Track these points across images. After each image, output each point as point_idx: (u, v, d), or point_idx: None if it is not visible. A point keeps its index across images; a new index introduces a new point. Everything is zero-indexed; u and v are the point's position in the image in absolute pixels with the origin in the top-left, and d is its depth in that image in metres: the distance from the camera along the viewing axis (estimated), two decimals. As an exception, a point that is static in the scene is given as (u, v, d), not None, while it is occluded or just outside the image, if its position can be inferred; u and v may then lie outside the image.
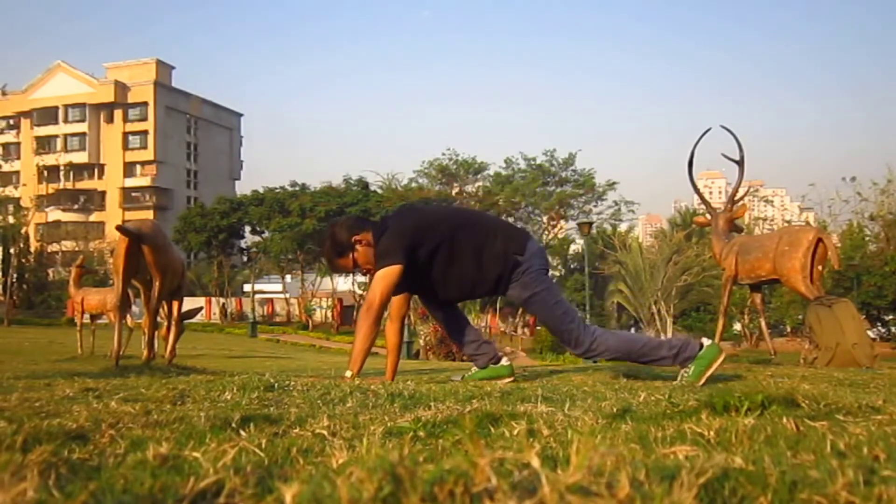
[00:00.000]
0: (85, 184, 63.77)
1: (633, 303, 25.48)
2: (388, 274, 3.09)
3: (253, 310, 33.22)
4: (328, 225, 3.61)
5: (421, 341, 20.65)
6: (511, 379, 3.32)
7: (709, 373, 3.00)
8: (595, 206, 42.12)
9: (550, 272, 3.44)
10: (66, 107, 62.52)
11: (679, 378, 3.03)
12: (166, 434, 1.27)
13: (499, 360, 3.50)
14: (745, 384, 2.74)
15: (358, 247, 3.27)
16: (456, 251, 3.18)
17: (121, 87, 62.55)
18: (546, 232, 41.98)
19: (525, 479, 0.75)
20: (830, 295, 6.63)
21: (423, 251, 3.16)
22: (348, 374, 3.12)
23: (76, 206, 62.51)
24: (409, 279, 3.19)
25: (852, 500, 0.75)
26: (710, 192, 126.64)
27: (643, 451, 1.08)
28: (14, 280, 36.03)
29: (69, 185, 62.56)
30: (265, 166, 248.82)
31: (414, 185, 39.88)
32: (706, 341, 3.12)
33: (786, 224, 25.14)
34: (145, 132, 63.23)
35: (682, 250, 25.03)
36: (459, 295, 3.40)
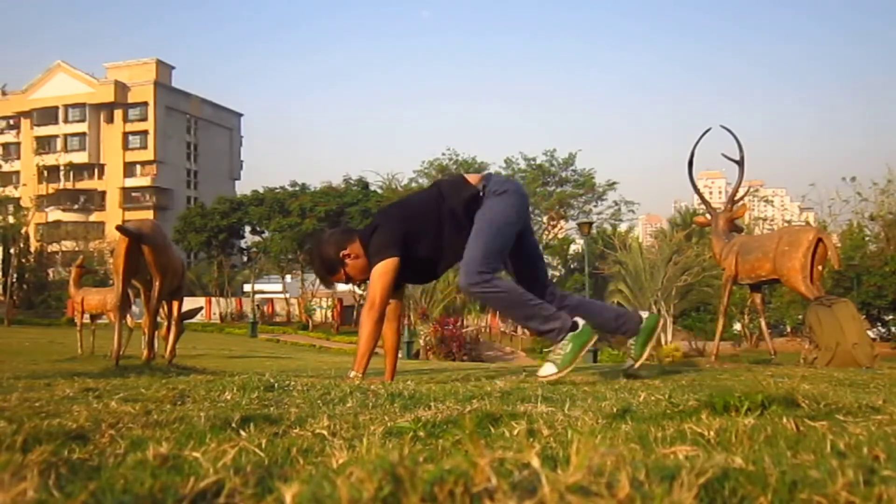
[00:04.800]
0: (85, 184, 63.77)
1: (633, 303, 25.44)
2: (386, 268, 3.08)
3: (253, 310, 33.19)
4: (312, 242, 3.57)
5: (421, 341, 20.66)
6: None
7: (579, 358, 3.01)
8: (595, 206, 42.22)
9: (517, 207, 3.16)
10: (66, 107, 62.53)
11: (552, 351, 3.05)
12: (166, 434, 1.27)
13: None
14: (745, 384, 2.74)
15: (347, 261, 3.25)
16: (444, 226, 3.16)
17: (121, 87, 62.54)
18: (546, 232, 42.01)
19: (525, 479, 0.75)
20: (830, 295, 6.63)
21: (421, 238, 3.14)
22: (353, 373, 3.12)
23: (76, 206, 62.51)
24: (408, 270, 3.18)
25: (852, 500, 0.75)
26: (710, 192, 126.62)
27: (643, 451, 1.08)
28: (14, 280, 36.02)
29: (69, 185, 62.58)
30: (265, 166, 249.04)
31: (414, 185, 39.88)
32: (580, 321, 3.09)
33: (786, 224, 25.13)
34: (145, 132, 63.24)
35: (682, 250, 25.01)
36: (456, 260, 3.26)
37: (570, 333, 3.05)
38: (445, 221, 3.15)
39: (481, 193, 3.13)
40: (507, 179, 3.28)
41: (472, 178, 3.23)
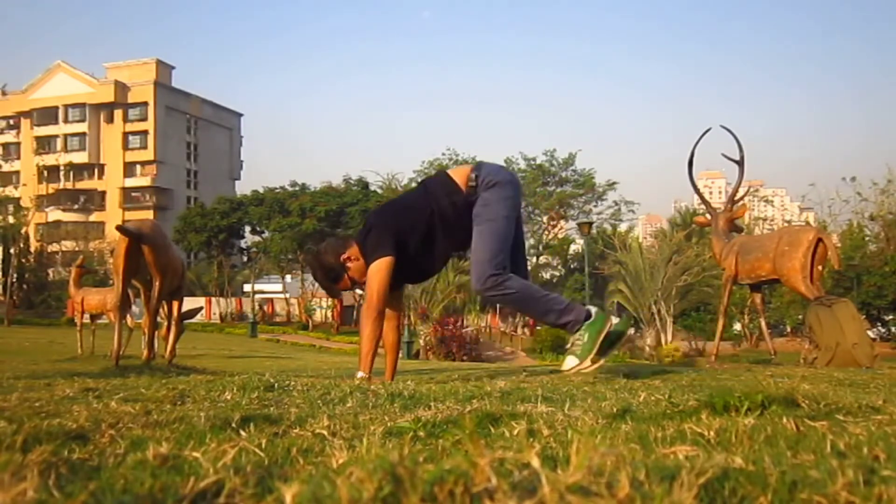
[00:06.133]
0: (85, 184, 63.76)
1: (633, 303, 25.45)
2: (382, 267, 3.11)
3: (253, 310, 33.17)
4: (309, 257, 3.61)
5: (421, 341, 20.66)
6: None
7: (597, 345, 2.98)
8: (595, 206, 42.22)
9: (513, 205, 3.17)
10: (66, 107, 62.51)
11: (570, 344, 3.06)
12: (166, 434, 1.27)
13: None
14: (745, 384, 2.74)
15: (349, 264, 3.29)
16: (436, 225, 3.18)
17: (121, 87, 62.53)
18: (546, 232, 42.03)
19: (525, 479, 0.75)
20: (830, 295, 6.63)
21: (414, 237, 3.17)
22: (360, 374, 3.13)
23: (76, 206, 62.49)
24: (404, 269, 3.20)
25: (852, 500, 0.75)
26: (710, 192, 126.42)
27: (643, 451, 1.08)
28: (14, 280, 36.03)
29: (69, 185, 62.57)
30: (265, 166, 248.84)
31: (414, 185, 39.86)
32: (593, 310, 3.10)
33: (786, 224, 25.13)
34: (145, 132, 63.23)
35: (682, 250, 25.00)
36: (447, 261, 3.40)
37: (585, 323, 3.05)
38: (436, 221, 3.18)
39: (473, 185, 3.14)
40: (499, 168, 3.28)
41: (463, 171, 3.22)
